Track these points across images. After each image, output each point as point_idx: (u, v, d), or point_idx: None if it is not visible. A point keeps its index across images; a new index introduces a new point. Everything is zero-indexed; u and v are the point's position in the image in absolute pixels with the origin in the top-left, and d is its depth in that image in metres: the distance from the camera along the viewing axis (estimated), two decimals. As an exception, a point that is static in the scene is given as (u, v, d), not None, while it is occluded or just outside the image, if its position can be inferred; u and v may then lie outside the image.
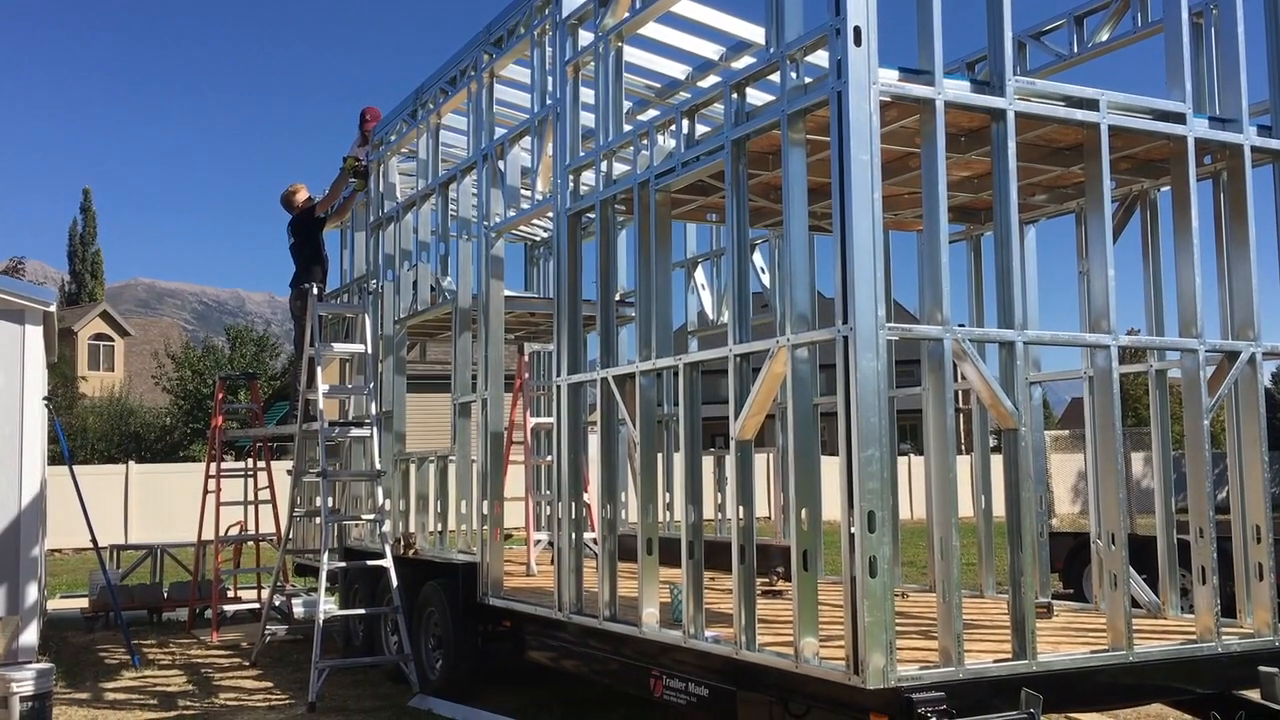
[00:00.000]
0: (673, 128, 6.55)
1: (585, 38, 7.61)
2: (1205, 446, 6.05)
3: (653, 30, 8.06)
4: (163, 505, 24.11)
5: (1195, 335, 6.09)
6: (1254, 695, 5.95)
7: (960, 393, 7.75)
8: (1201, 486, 6.06)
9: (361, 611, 9.96)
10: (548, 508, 11.42)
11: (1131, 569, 5.98)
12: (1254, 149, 6.30)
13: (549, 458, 10.54)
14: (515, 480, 10.31)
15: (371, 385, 10.61)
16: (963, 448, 32.56)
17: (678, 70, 9.22)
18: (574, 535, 7.30)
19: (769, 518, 12.85)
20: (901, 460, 20.21)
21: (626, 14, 7.17)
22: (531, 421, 10.85)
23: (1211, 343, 6.13)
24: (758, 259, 9.67)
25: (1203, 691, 6.00)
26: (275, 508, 13.07)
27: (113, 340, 52.83)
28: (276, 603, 11.91)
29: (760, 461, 6.93)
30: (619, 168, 7.29)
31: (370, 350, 10.66)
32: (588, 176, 7.53)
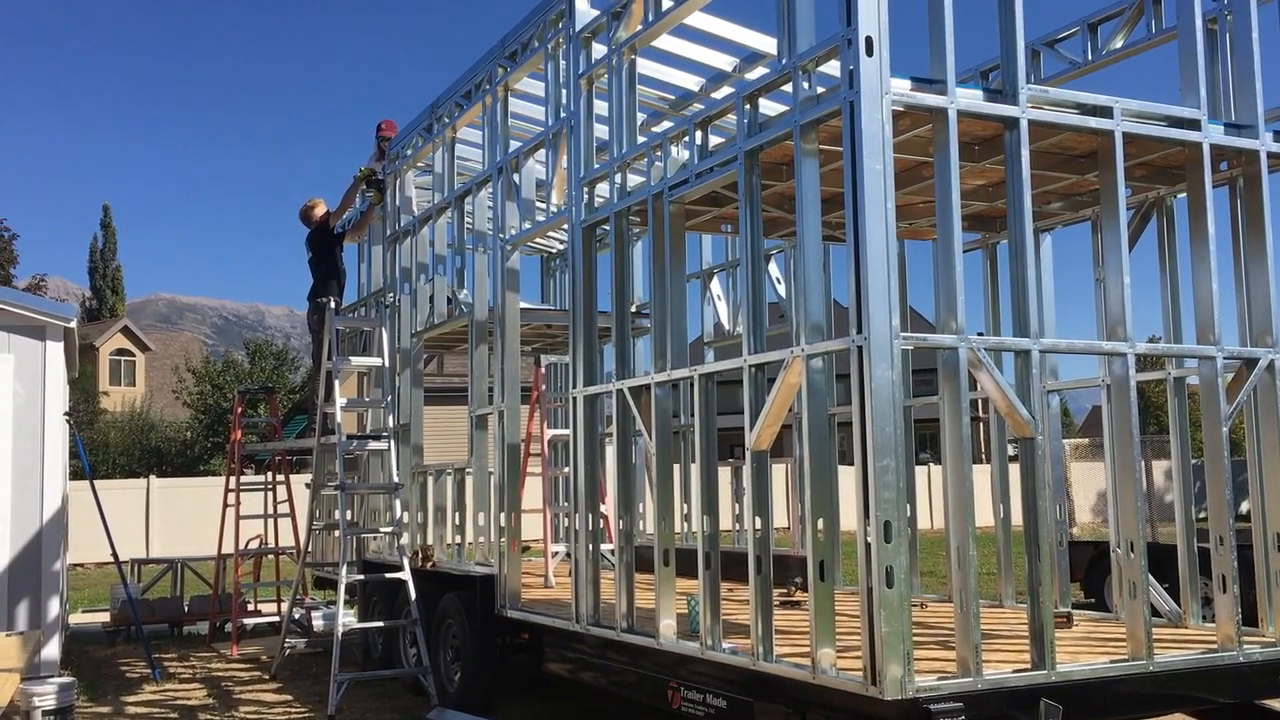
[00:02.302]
0: (686, 139, 6.56)
1: (599, 51, 7.63)
2: (1224, 454, 6.01)
3: (666, 42, 8.08)
4: (183, 519, 24.21)
5: (1213, 342, 6.05)
6: (1276, 705, 5.91)
7: (979, 401, 7.74)
8: (1221, 494, 6.01)
9: (380, 624, 9.98)
10: (565, 519, 11.43)
11: (1152, 578, 5.95)
12: (1270, 154, 6.27)
13: (566, 469, 10.55)
14: (533, 492, 10.32)
15: (389, 398, 10.66)
16: (982, 457, 32.44)
17: (691, 82, 9.25)
18: (591, 547, 7.31)
19: (786, 528, 12.82)
20: (921, 469, 20.13)
21: (639, 27, 7.19)
22: (548, 433, 10.87)
23: (1229, 349, 6.10)
24: (773, 269, 9.67)
25: (1224, 701, 5.95)
26: (294, 521, 13.12)
27: (134, 355, 53.18)
28: (296, 616, 11.94)
29: (777, 472, 6.92)
30: (633, 179, 7.30)
31: (387, 363, 10.71)
32: (602, 188, 7.55)
